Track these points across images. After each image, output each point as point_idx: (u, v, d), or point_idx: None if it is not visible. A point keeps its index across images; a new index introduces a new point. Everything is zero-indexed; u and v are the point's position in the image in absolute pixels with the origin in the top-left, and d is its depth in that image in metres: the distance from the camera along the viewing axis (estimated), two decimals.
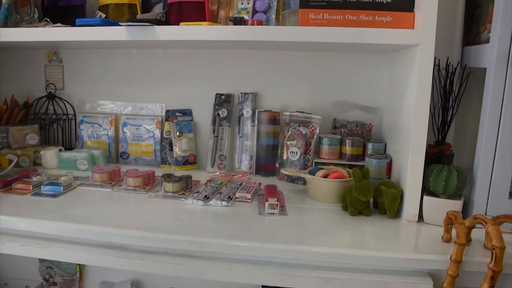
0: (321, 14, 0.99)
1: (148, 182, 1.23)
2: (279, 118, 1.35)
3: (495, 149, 0.95)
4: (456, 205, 0.97)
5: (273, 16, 1.17)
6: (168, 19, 1.28)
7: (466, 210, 1.00)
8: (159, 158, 1.47)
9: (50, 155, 1.41)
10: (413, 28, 0.97)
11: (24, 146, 1.46)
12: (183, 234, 0.89)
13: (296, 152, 1.30)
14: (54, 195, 1.15)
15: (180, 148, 1.42)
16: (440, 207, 0.97)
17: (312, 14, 0.99)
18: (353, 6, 0.99)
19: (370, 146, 1.25)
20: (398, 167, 1.09)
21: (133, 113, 1.50)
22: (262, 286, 1.20)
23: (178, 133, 1.42)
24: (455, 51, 1.18)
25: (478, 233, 0.90)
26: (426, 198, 0.99)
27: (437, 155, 1.10)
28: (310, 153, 1.29)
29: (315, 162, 1.27)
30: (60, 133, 1.55)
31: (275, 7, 1.17)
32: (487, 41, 0.99)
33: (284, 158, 1.32)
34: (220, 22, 1.30)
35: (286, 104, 1.38)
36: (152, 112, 1.49)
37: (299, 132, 1.30)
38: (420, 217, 1.00)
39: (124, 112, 1.51)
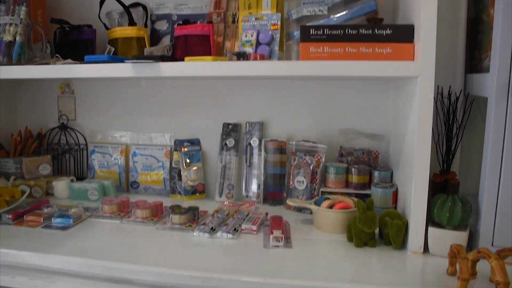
0: (321, 48, 1.01)
1: (156, 214, 1.25)
2: (285, 148, 1.36)
3: (499, 179, 0.94)
4: (461, 236, 0.96)
5: (277, 47, 1.19)
6: (174, 52, 1.32)
7: (472, 240, 0.99)
8: (168, 187, 1.49)
9: (62, 186, 1.44)
10: (414, 59, 0.97)
11: (37, 177, 1.50)
12: (188, 269, 0.90)
13: (303, 181, 1.30)
14: (64, 228, 1.17)
15: (188, 178, 1.44)
16: (445, 238, 0.96)
17: (313, 48, 1.01)
18: (353, 39, 1.00)
19: (376, 174, 1.25)
20: (403, 196, 1.08)
21: (142, 143, 1.53)
22: None
23: (186, 163, 1.44)
24: (458, 79, 1.18)
25: (484, 265, 0.88)
26: (431, 229, 0.98)
27: (442, 184, 1.10)
28: (316, 182, 1.30)
29: (321, 191, 1.27)
30: (72, 163, 1.59)
31: (278, 39, 1.19)
32: (488, 69, 0.99)
33: (291, 187, 1.33)
34: (225, 53, 1.33)
35: (292, 133, 1.39)
36: (161, 142, 1.51)
37: (305, 161, 1.31)
38: (426, 248, 0.99)
39: (134, 142, 1.54)
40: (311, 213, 1.27)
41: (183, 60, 1.10)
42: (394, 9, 1.26)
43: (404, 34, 0.99)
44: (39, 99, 1.61)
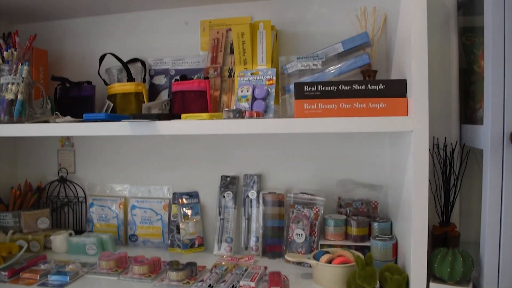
0: (315, 104, 1.03)
1: (154, 270, 1.23)
2: (283, 200, 1.35)
3: (500, 231, 0.94)
4: None
5: (272, 102, 1.21)
6: (172, 107, 1.34)
7: None
8: (167, 240, 1.47)
9: (60, 240, 1.44)
10: (407, 113, 0.99)
11: (36, 231, 1.49)
12: None
13: (302, 234, 1.29)
14: (60, 286, 1.15)
15: (187, 231, 1.43)
16: None
17: (307, 105, 1.03)
18: (346, 95, 1.02)
19: (375, 226, 1.24)
20: (403, 249, 1.07)
21: (141, 195, 1.53)
22: None
23: (185, 217, 1.44)
24: (453, 130, 1.19)
25: None
26: (432, 284, 0.96)
27: (442, 236, 1.08)
28: (315, 235, 1.28)
29: (320, 244, 1.26)
30: (71, 216, 1.58)
31: (274, 94, 1.21)
32: (482, 120, 1.00)
33: (290, 240, 1.32)
34: (222, 107, 1.35)
35: (290, 184, 1.39)
36: (160, 194, 1.51)
37: (303, 214, 1.30)
38: None
39: (132, 195, 1.54)
40: (310, 266, 1.25)
41: (180, 115, 1.13)
42: (388, 61, 1.29)
43: (397, 89, 1.01)
44: (39, 153, 1.63)
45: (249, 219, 1.40)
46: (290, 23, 1.38)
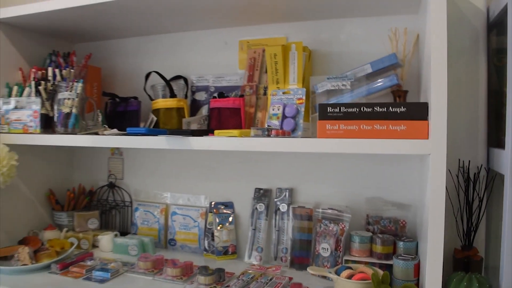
0: (337, 125, 1.07)
1: (186, 273, 1.32)
2: (312, 214, 1.40)
3: None
4: None
5: (301, 120, 1.26)
6: (210, 122, 1.43)
7: None
8: (203, 246, 1.56)
9: (106, 240, 1.57)
10: (428, 137, 1.00)
11: (86, 230, 1.64)
12: None
13: (327, 249, 1.33)
14: (101, 281, 1.28)
15: (221, 239, 1.51)
16: None
17: (329, 125, 1.07)
18: (368, 117, 1.05)
19: (400, 245, 1.25)
20: (423, 270, 1.08)
21: (181, 203, 1.64)
22: None
23: (219, 225, 1.52)
24: (480, 153, 1.19)
25: None
26: None
27: (464, 260, 1.08)
28: (340, 250, 1.32)
29: (345, 259, 1.29)
30: (118, 219, 1.72)
31: (303, 112, 1.27)
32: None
33: (317, 253, 1.36)
34: (257, 123, 1.42)
35: (320, 199, 1.44)
36: (198, 203, 1.61)
37: (330, 229, 1.34)
38: None
39: (173, 202, 1.65)
40: None
41: (216, 129, 1.21)
42: (419, 81, 1.31)
43: (419, 111, 1.02)
44: (92, 160, 1.79)
45: (279, 230, 1.46)
46: (324, 43, 1.43)
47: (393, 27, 1.31)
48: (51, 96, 1.44)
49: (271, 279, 1.27)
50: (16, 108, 1.45)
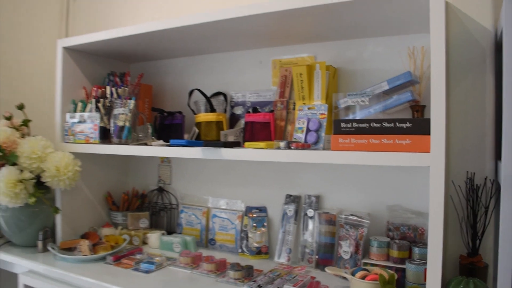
0: (348, 139, 1.19)
1: (219, 268, 1.49)
2: (335, 220, 1.52)
3: None
4: None
5: (323, 133, 1.39)
6: (244, 135, 1.59)
7: None
8: (238, 246, 1.72)
9: (154, 238, 1.77)
10: (430, 150, 1.09)
11: (137, 228, 1.86)
12: None
13: (348, 252, 1.44)
14: (147, 272, 1.48)
15: (254, 240, 1.67)
16: None
17: (341, 139, 1.20)
18: (376, 132, 1.17)
19: (416, 250, 1.33)
20: None
21: (220, 207, 1.81)
22: None
23: (253, 227, 1.68)
24: (487, 165, 1.25)
25: None
26: None
27: (469, 266, 1.16)
28: (360, 253, 1.42)
29: (364, 262, 1.40)
30: (165, 219, 1.93)
31: (325, 126, 1.39)
32: None
33: (339, 256, 1.47)
34: (287, 135, 1.56)
35: (345, 206, 1.55)
36: (235, 207, 1.78)
37: (350, 233, 1.45)
38: None
39: (214, 206, 1.83)
40: None
41: (249, 141, 1.38)
42: None
43: (422, 127, 1.12)
44: (144, 167, 2.02)
45: (306, 234, 1.59)
46: (348, 61, 1.55)
47: (411, 46, 1.41)
48: (108, 112, 1.67)
49: (294, 277, 1.40)
50: (80, 121, 1.69)
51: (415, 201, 1.45)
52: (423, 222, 1.44)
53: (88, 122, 1.67)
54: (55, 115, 1.76)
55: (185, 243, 1.72)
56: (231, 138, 1.61)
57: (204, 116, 1.66)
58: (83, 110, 1.74)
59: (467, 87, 1.30)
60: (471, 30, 1.30)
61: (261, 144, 1.34)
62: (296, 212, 1.63)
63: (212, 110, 1.67)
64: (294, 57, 1.65)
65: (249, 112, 1.60)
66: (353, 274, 1.29)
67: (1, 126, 1.69)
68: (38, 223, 1.72)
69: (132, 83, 1.73)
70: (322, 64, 1.46)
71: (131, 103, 1.61)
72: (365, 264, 1.39)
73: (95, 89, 1.74)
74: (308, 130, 1.42)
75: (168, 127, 1.76)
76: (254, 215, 1.70)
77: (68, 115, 1.73)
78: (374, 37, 1.50)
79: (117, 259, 1.58)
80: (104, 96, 1.72)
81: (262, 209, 1.71)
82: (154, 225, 1.95)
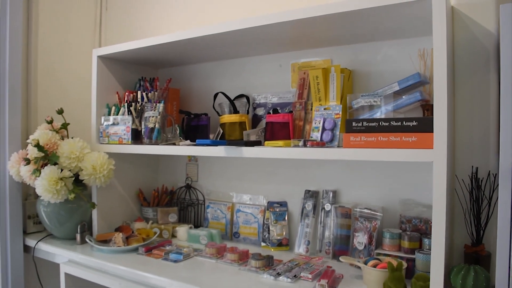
0: (359, 137, 1.29)
1: (242, 258, 1.60)
2: (350, 213, 1.61)
3: (509, 252, 1.07)
4: None
5: (337, 132, 1.49)
6: (265, 134, 1.70)
7: None
8: (261, 238, 1.84)
9: (182, 231, 1.91)
10: (433, 145, 1.17)
11: (167, 223, 2.00)
12: None
13: (362, 243, 1.54)
14: (175, 261, 1.61)
15: (275, 232, 1.78)
16: None
17: (352, 137, 1.30)
18: (385, 130, 1.26)
19: (426, 241, 1.42)
20: None
21: (244, 202, 1.93)
22: None
23: (275, 221, 1.79)
24: (491, 160, 1.32)
25: None
26: None
27: (473, 255, 1.24)
28: (373, 244, 1.51)
29: (377, 252, 1.49)
30: (193, 214, 2.06)
31: (339, 125, 1.49)
32: None
33: (354, 247, 1.57)
34: (305, 134, 1.67)
35: (360, 200, 1.64)
36: (258, 202, 1.89)
37: (364, 225, 1.54)
38: None
39: (238, 201, 1.95)
40: None
41: (270, 140, 1.49)
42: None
43: (427, 125, 1.21)
44: (173, 165, 2.16)
45: (324, 227, 1.69)
46: (362, 64, 1.64)
47: (421, 48, 1.49)
48: (139, 114, 1.81)
49: (311, 266, 1.51)
50: (113, 124, 1.84)
51: (427, 196, 1.53)
52: None
53: (121, 125, 1.81)
54: (91, 118, 1.92)
55: (211, 236, 1.85)
56: (253, 138, 1.72)
57: (228, 117, 1.78)
58: (117, 113, 1.88)
59: (473, 87, 1.38)
60: (476, 33, 1.37)
61: (280, 142, 1.45)
62: (315, 206, 1.73)
63: (236, 111, 1.79)
64: (311, 60, 1.75)
65: (269, 113, 1.71)
66: (365, 263, 1.39)
67: (43, 129, 1.85)
68: (77, 218, 1.88)
69: (161, 87, 1.87)
70: (337, 67, 1.56)
71: (160, 106, 1.75)
72: (378, 254, 1.48)
73: (127, 93, 1.89)
74: (323, 129, 1.52)
75: (195, 128, 1.89)
76: (276, 210, 1.81)
77: (102, 118, 1.88)
78: (387, 40, 1.59)
79: (148, 250, 1.72)
80: (135, 100, 1.87)
81: (282, 204, 1.82)
82: (182, 220, 2.08)
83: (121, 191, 2.01)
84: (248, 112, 1.86)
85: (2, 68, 1.85)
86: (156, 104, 1.75)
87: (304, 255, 1.68)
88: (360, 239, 1.55)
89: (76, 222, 1.87)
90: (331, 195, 1.70)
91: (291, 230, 1.80)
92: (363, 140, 1.29)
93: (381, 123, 1.27)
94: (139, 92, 1.86)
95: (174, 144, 1.69)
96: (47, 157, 1.76)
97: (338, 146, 1.46)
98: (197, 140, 1.57)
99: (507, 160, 1.07)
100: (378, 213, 1.54)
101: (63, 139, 1.85)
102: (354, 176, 1.67)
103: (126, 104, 1.84)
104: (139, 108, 1.82)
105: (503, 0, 1.24)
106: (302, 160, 1.78)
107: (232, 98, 1.83)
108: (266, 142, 1.48)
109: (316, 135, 1.53)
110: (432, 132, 1.18)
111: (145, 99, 1.84)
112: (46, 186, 1.69)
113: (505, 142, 1.07)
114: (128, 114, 1.82)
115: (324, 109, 1.55)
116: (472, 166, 1.31)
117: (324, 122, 1.52)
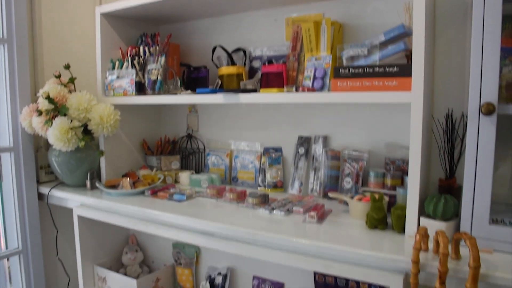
0: (346, 82, 1.41)
1: (240, 197, 1.76)
2: (339, 155, 1.76)
3: (474, 183, 1.21)
4: (446, 225, 1.26)
5: (328, 80, 1.61)
6: (261, 84, 1.82)
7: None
8: (258, 182, 1.99)
9: (184, 176, 2.06)
10: (411, 88, 1.30)
11: (170, 169, 2.15)
12: (244, 227, 1.39)
13: (349, 182, 1.69)
14: (179, 201, 1.76)
15: (271, 176, 1.93)
16: (433, 226, 1.26)
17: (340, 82, 1.42)
18: (369, 75, 1.38)
19: (406, 179, 1.56)
20: None
21: (242, 149, 2.07)
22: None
23: (270, 165, 1.93)
24: (465, 103, 1.44)
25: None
26: (421, 219, 1.30)
27: (447, 187, 1.39)
28: (359, 183, 1.67)
29: (363, 190, 1.64)
30: (194, 162, 2.21)
31: (329, 74, 1.61)
32: None
33: (342, 186, 1.72)
34: (299, 84, 1.79)
35: (348, 144, 1.78)
36: (254, 148, 2.03)
37: (352, 166, 1.69)
38: None
39: (236, 148, 2.09)
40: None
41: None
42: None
43: (406, 71, 1.33)
44: (174, 116, 2.29)
45: (315, 169, 1.84)
46: (353, 17, 1.74)
47: (407, 2, 1.59)
48: (142, 68, 1.93)
49: (303, 203, 1.66)
50: (118, 77, 1.95)
51: (408, 137, 1.66)
52: None
53: (125, 78, 1.93)
54: (96, 73, 2.02)
55: (211, 180, 2.00)
56: (249, 87, 1.84)
57: (226, 69, 1.89)
58: (121, 67, 1.99)
59: (451, 36, 1.49)
60: None
61: (273, 90, 1.58)
62: (307, 151, 1.87)
63: (233, 64, 1.91)
64: (305, 15, 1.84)
65: (264, 64, 1.83)
66: (352, 198, 1.54)
67: (51, 84, 1.97)
68: (86, 166, 2.02)
69: (162, 42, 1.97)
70: (327, 20, 1.66)
71: (162, 59, 1.86)
72: (364, 191, 1.64)
73: (130, 49, 1.99)
74: (314, 78, 1.64)
75: (195, 80, 2.01)
76: (271, 155, 1.95)
77: (107, 72, 1.99)
78: None
79: (154, 192, 1.88)
80: (138, 54, 1.97)
81: (277, 149, 1.96)
82: (184, 167, 2.23)
83: (127, 141, 2.14)
84: (245, 65, 1.97)
85: (9, 28, 1.94)
86: (158, 58, 1.87)
87: (297, 195, 1.84)
88: (347, 179, 1.70)
89: (85, 170, 2.01)
90: (322, 139, 1.84)
91: (286, 173, 1.96)
92: (349, 85, 1.41)
93: (366, 70, 1.40)
94: (141, 47, 1.96)
95: (176, 94, 1.81)
96: (57, 109, 1.88)
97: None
98: (197, 89, 1.69)
99: (475, 101, 1.20)
100: (364, 155, 1.69)
101: (70, 93, 1.97)
102: (343, 122, 1.80)
103: (129, 59, 1.95)
104: (142, 62, 1.93)
105: None
106: (295, 108, 1.91)
107: (229, 51, 1.93)
108: (261, 90, 1.61)
109: (307, 83, 1.65)
110: (411, 76, 1.31)
111: (147, 53, 1.95)
112: (58, 135, 1.82)
113: (474, 85, 1.20)
114: (132, 67, 1.93)
115: (316, 59, 1.67)
116: (448, 108, 1.44)
117: (315, 71, 1.64)
